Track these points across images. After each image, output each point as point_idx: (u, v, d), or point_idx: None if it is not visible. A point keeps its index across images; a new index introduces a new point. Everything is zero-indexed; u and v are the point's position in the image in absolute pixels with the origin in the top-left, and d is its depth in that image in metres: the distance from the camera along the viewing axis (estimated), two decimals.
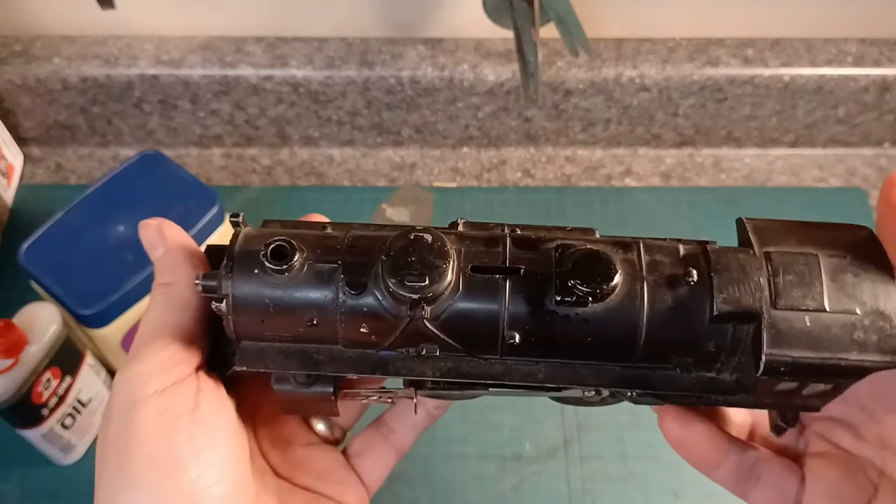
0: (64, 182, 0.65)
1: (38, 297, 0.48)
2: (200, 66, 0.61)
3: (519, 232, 0.29)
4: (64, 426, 0.49)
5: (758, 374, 0.27)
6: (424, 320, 0.27)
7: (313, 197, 0.64)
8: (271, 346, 0.29)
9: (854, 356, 0.27)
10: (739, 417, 0.33)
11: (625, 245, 0.29)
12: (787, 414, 0.30)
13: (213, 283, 0.28)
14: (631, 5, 0.61)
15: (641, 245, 0.29)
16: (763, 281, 0.27)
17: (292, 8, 0.61)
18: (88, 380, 0.49)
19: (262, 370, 0.29)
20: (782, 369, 0.27)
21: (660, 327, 0.28)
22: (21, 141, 0.66)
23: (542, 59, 0.60)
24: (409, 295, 0.27)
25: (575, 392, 0.30)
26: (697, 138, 0.67)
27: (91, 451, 0.52)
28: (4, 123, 0.63)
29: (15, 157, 0.65)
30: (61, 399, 0.48)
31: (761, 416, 0.34)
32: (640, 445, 0.53)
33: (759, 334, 0.27)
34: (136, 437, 0.27)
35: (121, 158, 0.66)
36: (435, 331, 0.28)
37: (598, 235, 0.30)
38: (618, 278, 0.27)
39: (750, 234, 0.28)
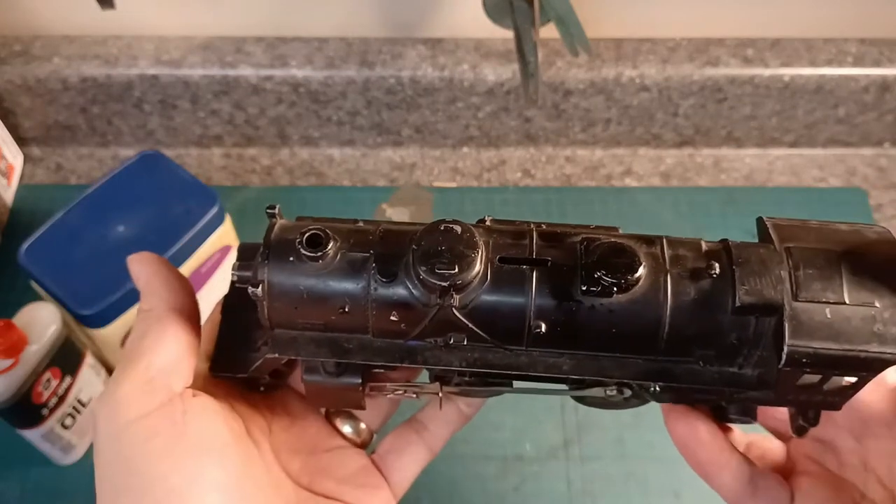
0: (64, 182, 0.65)
1: (38, 297, 0.48)
2: (200, 66, 0.60)
3: (545, 227, 0.30)
4: (64, 426, 0.49)
5: (780, 366, 0.27)
6: (453, 309, 0.28)
7: (313, 197, 0.64)
8: (303, 334, 0.29)
9: (874, 348, 0.27)
10: (738, 434, 0.33)
11: (648, 240, 0.30)
12: (809, 413, 0.30)
13: (248, 274, 0.29)
14: (631, 5, 0.61)
15: (664, 241, 0.30)
16: (784, 274, 0.28)
17: (292, 8, 0.61)
18: (88, 380, 0.49)
19: (293, 357, 0.29)
20: (804, 360, 0.27)
21: (683, 318, 0.28)
22: (21, 141, 0.66)
23: (542, 59, 0.60)
24: (438, 283, 0.27)
25: (598, 392, 0.31)
26: (697, 138, 0.67)
27: (91, 451, 0.52)
28: (4, 123, 0.63)
29: (15, 157, 0.65)
30: (61, 399, 0.48)
31: (757, 437, 0.35)
32: (640, 445, 0.53)
33: (780, 325, 0.27)
34: (125, 469, 0.27)
35: (121, 158, 0.66)
36: (463, 319, 0.28)
37: (620, 232, 0.31)
38: (642, 270, 0.28)
39: (770, 230, 0.29)
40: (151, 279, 0.31)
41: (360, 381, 0.31)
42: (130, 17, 0.60)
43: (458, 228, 0.28)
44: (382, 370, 0.32)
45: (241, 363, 0.31)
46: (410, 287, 0.28)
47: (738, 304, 0.28)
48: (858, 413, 0.31)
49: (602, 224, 0.31)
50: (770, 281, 0.28)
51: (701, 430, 0.32)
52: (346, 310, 0.29)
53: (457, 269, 0.27)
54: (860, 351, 0.27)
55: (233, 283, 0.31)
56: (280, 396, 0.34)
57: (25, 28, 0.62)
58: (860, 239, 0.29)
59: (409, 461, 0.34)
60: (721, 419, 0.32)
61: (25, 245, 0.47)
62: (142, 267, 0.31)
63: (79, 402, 0.49)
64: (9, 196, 0.63)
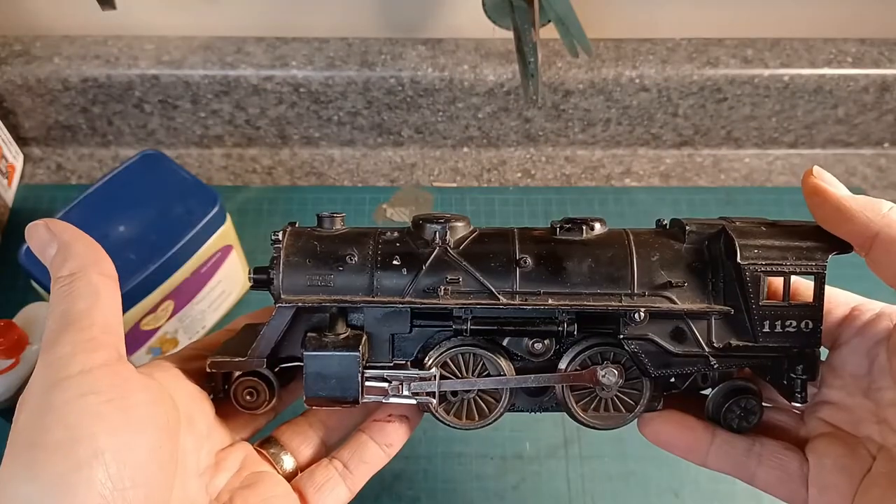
0: (64, 182, 0.65)
1: (38, 298, 0.48)
2: (201, 67, 0.61)
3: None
4: None
5: (737, 260, 0.31)
6: (448, 248, 0.32)
7: (314, 197, 0.64)
8: (309, 296, 0.32)
9: (807, 244, 0.32)
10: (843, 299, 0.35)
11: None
12: (797, 369, 0.33)
13: (264, 277, 0.33)
14: (631, 6, 0.61)
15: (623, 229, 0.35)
16: (721, 221, 0.33)
17: (293, 8, 0.61)
18: None
19: (299, 302, 0.32)
20: (755, 251, 0.32)
21: (645, 246, 0.33)
22: (21, 141, 0.66)
23: (542, 59, 0.60)
24: (434, 225, 0.32)
25: (595, 398, 0.34)
26: (697, 138, 0.67)
27: None
28: (5, 123, 0.63)
29: (15, 157, 0.65)
30: None
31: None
32: (640, 445, 0.52)
33: (728, 236, 0.32)
34: (52, 419, 0.25)
35: (121, 158, 0.66)
36: (457, 256, 0.32)
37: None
38: (602, 224, 0.34)
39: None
40: (69, 244, 0.30)
41: (358, 353, 0.32)
42: (131, 17, 0.60)
43: (448, 213, 0.33)
44: (380, 369, 0.33)
45: (239, 354, 0.33)
46: (410, 239, 0.33)
47: (687, 230, 0.33)
48: (864, 370, 0.33)
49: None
50: (710, 221, 0.33)
51: (667, 418, 0.34)
52: (354, 259, 0.32)
53: (450, 218, 0.33)
54: (796, 246, 0.32)
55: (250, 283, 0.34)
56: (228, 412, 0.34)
57: (26, 28, 0.62)
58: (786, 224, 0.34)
59: (329, 500, 0.34)
60: (726, 428, 0.34)
61: (26, 245, 0.47)
62: (50, 232, 0.30)
63: None
64: (9, 196, 0.63)
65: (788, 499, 0.33)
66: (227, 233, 0.52)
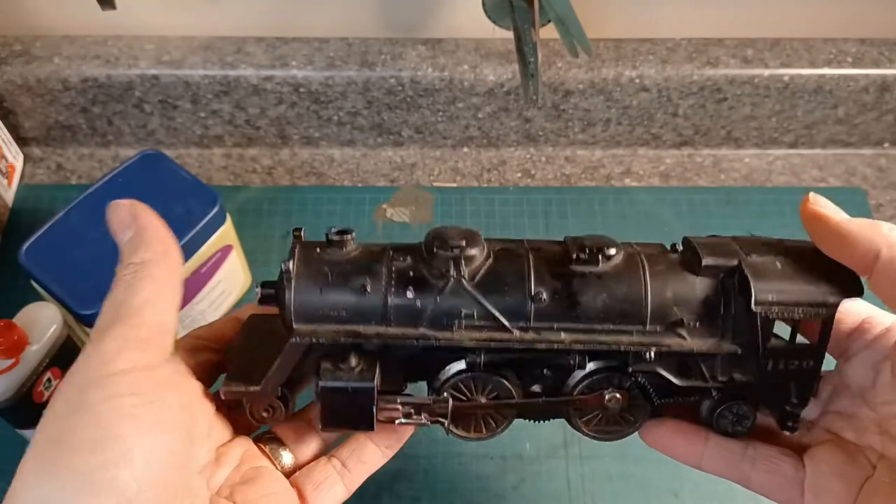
0: (64, 182, 0.65)
1: (38, 298, 0.48)
2: (201, 67, 0.61)
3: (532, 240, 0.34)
4: None
5: (751, 306, 0.31)
6: (463, 280, 0.31)
7: (314, 197, 0.64)
8: (322, 326, 0.31)
9: (820, 288, 0.31)
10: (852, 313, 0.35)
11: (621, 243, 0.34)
12: (790, 399, 0.33)
13: (271, 292, 0.32)
14: (631, 6, 0.61)
15: (632, 243, 0.35)
16: (736, 248, 0.33)
17: (293, 8, 0.61)
18: None
19: (312, 338, 0.31)
20: (770, 296, 0.31)
21: (660, 280, 0.32)
22: (21, 141, 0.66)
23: (542, 59, 0.60)
24: (450, 252, 0.31)
25: (596, 407, 0.34)
26: (697, 138, 0.67)
27: None
28: (5, 123, 0.63)
29: (15, 157, 0.65)
30: None
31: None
32: (640, 445, 0.52)
33: (743, 275, 0.32)
34: (84, 417, 0.24)
35: (121, 158, 0.66)
36: (471, 290, 0.31)
37: None
38: (618, 248, 0.33)
39: (713, 236, 0.35)
40: (146, 229, 0.29)
41: (373, 384, 0.31)
42: (131, 17, 0.60)
43: (461, 226, 0.32)
44: (394, 392, 0.33)
45: (253, 378, 0.32)
46: (424, 267, 0.32)
47: (703, 264, 0.32)
48: (869, 382, 0.33)
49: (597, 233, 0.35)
50: (725, 249, 0.33)
51: (664, 425, 0.35)
52: (368, 289, 0.31)
53: (464, 243, 0.31)
54: (812, 287, 0.31)
55: (259, 300, 0.33)
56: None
57: (26, 28, 0.62)
58: (776, 240, 0.35)
59: (327, 498, 0.34)
60: (719, 433, 0.35)
61: (26, 245, 0.47)
62: (132, 215, 0.29)
63: None
64: (9, 196, 0.63)
65: (785, 502, 0.34)
66: (227, 233, 0.52)
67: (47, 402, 0.46)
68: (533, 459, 0.52)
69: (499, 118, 0.64)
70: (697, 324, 0.32)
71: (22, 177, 0.65)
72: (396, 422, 0.33)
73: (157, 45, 0.62)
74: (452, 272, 0.31)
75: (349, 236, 0.32)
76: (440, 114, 0.64)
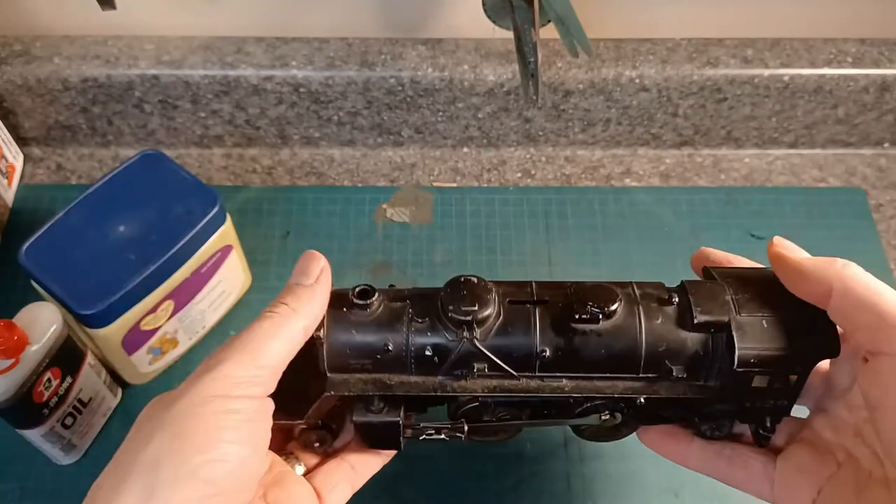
0: (64, 182, 0.65)
1: (38, 298, 0.48)
2: (201, 67, 0.61)
3: (539, 281, 0.37)
4: (64, 426, 0.49)
5: (734, 367, 0.34)
6: (475, 340, 0.35)
7: (314, 197, 0.64)
8: (353, 376, 0.36)
9: (800, 347, 0.34)
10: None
11: (622, 284, 0.37)
12: (766, 423, 0.37)
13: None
14: (631, 6, 0.61)
15: (634, 284, 0.37)
16: (728, 298, 0.35)
17: (293, 8, 0.61)
18: (89, 380, 0.49)
19: (346, 393, 0.36)
20: (752, 360, 0.34)
21: (655, 336, 0.35)
22: (21, 141, 0.66)
23: (542, 59, 0.60)
24: (463, 317, 0.34)
25: (593, 419, 0.38)
26: (697, 138, 0.67)
27: (91, 451, 0.52)
28: (5, 123, 0.63)
29: (15, 157, 0.65)
30: (62, 399, 0.48)
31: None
32: (640, 445, 0.52)
33: (730, 337, 0.35)
34: (201, 422, 0.30)
35: (121, 158, 0.66)
36: (483, 349, 0.35)
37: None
38: (619, 301, 0.35)
39: (713, 272, 0.38)
40: (317, 291, 0.35)
41: (399, 418, 0.36)
42: (131, 17, 0.60)
43: (475, 279, 0.36)
44: (417, 413, 0.38)
45: (296, 411, 0.36)
46: (441, 326, 0.35)
47: (695, 322, 0.35)
48: (848, 385, 0.36)
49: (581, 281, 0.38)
50: (718, 304, 0.35)
51: (658, 429, 0.40)
52: (390, 348, 0.35)
53: (476, 306, 0.34)
54: (792, 350, 0.34)
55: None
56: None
57: (26, 28, 0.62)
58: (769, 275, 0.37)
59: (339, 498, 0.38)
60: (700, 436, 0.39)
61: (26, 245, 0.47)
62: (319, 270, 0.36)
63: (79, 401, 0.49)
64: (9, 196, 0.63)
65: (758, 495, 0.38)
66: (227, 233, 0.52)
67: (47, 401, 0.46)
68: (533, 459, 0.52)
69: (499, 118, 0.64)
70: (685, 374, 0.36)
71: (22, 177, 0.65)
72: (420, 438, 0.38)
73: (158, 45, 0.62)
74: (466, 334, 0.35)
75: (373, 299, 0.35)
76: (440, 114, 0.64)
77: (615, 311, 0.35)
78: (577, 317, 0.35)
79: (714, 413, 0.37)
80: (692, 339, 0.35)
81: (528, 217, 0.63)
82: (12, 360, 0.44)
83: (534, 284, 0.37)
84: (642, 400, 0.36)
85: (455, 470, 0.52)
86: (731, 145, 0.68)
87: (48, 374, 0.46)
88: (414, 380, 0.36)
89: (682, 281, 0.37)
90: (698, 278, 0.39)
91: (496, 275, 0.60)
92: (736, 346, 0.34)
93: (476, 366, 0.35)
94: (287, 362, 0.33)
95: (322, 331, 0.35)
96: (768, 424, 0.37)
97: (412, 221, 0.63)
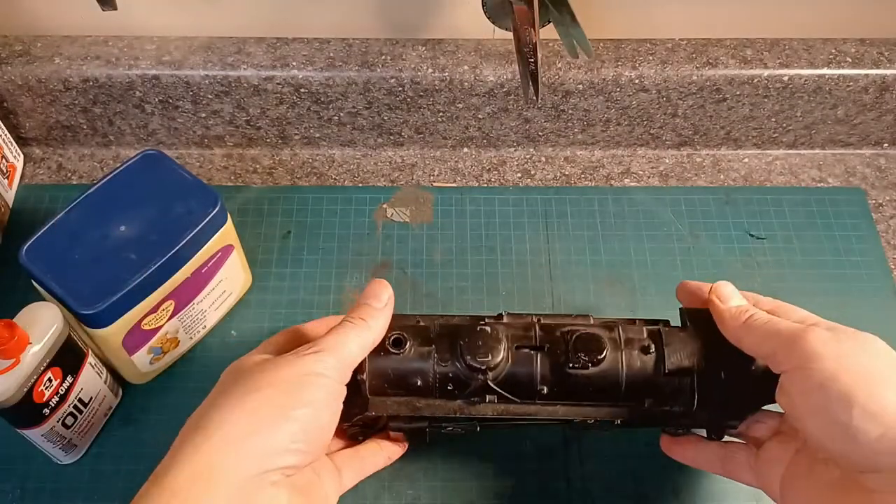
0: (65, 182, 0.65)
1: (39, 298, 0.48)
2: (202, 67, 0.61)
3: (542, 321, 0.47)
4: (65, 425, 0.49)
5: (693, 409, 0.45)
6: (488, 381, 0.44)
7: (314, 197, 0.64)
8: (389, 399, 0.45)
9: (751, 398, 0.45)
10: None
11: (609, 327, 0.46)
12: (715, 432, 0.47)
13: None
14: (630, 7, 0.61)
15: (620, 327, 0.46)
16: (696, 348, 0.45)
17: (293, 9, 0.61)
18: (90, 380, 0.50)
19: (384, 413, 0.45)
20: (707, 413, 0.45)
21: (633, 379, 0.45)
22: (22, 141, 0.66)
23: (541, 59, 0.60)
24: (479, 366, 0.44)
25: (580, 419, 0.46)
26: (696, 139, 0.67)
27: (92, 450, 0.52)
28: (5, 124, 0.63)
29: (16, 157, 0.65)
30: (63, 399, 0.48)
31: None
32: (640, 445, 0.53)
33: (692, 383, 0.45)
34: (297, 391, 0.38)
35: (122, 158, 0.66)
36: (494, 387, 0.44)
37: (592, 321, 0.47)
38: (606, 351, 0.44)
39: (687, 317, 0.47)
40: (387, 312, 0.44)
41: (426, 424, 0.47)
42: (132, 17, 0.60)
43: (489, 329, 0.44)
44: (442, 422, 0.47)
45: (344, 416, 0.43)
46: (459, 367, 0.44)
47: (666, 371, 0.45)
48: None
49: (580, 314, 0.48)
50: (686, 355, 0.45)
51: (689, 450, 0.48)
52: (418, 383, 0.44)
53: (490, 357, 0.44)
54: (741, 400, 0.45)
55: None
56: None
57: (26, 28, 0.62)
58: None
59: (348, 479, 0.47)
60: (665, 433, 0.49)
61: (26, 245, 0.47)
62: (387, 295, 0.44)
63: (80, 401, 0.49)
64: (10, 196, 0.63)
65: (747, 482, 0.45)
66: (227, 233, 0.52)
67: (48, 401, 0.46)
68: (533, 459, 0.52)
69: (499, 118, 0.64)
70: (656, 405, 0.45)
71: (22, 177, 0.65)
72: (442, 430, 0.47)
73: (158, 45, 0.62)
74: (480, 377, 0.44)
75: (404, 348, 0.44)
76: (440, 114, 0.64)
77: (602, 359, 0.44)
78: (570, 364, 0.44)
79: (677, 424, 0.48)
80: (663, 381, 0.45)
81: (528, 217, 0.63)
82: (13, 360, 0.44)
83: (537, 328, 0.46)
84: (619, 422, 0.46)
85: (455, 470, 0.52)
86: (731, 145, 0.68)
87: (49, 374, 0.46)
88: (438, 403, 0.45)
89: (659, 329, 0.46)
90: (680, 306, 0.49)
91: (496, 275, 0.60)
92: (695, 396, 0.45)
93: (488, 396, 0.44)
94: (357, 363, 0.42)
95: (364, 373, 0.44)
96: (716, 434, 0.47)
97: (412, 221, 0.63)
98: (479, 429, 0.47)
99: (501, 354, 0.44)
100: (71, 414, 0.49)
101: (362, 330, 0.42)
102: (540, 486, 0.51)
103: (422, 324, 0.46)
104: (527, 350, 0.45)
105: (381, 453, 0.49)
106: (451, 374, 0.44)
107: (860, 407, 0.37)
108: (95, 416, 0.52)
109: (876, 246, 0.62)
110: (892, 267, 0.61)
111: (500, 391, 0.44)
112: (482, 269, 0.60)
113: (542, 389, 0.44)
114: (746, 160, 0.68)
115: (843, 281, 0.60)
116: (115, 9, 0.51)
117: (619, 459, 0.52)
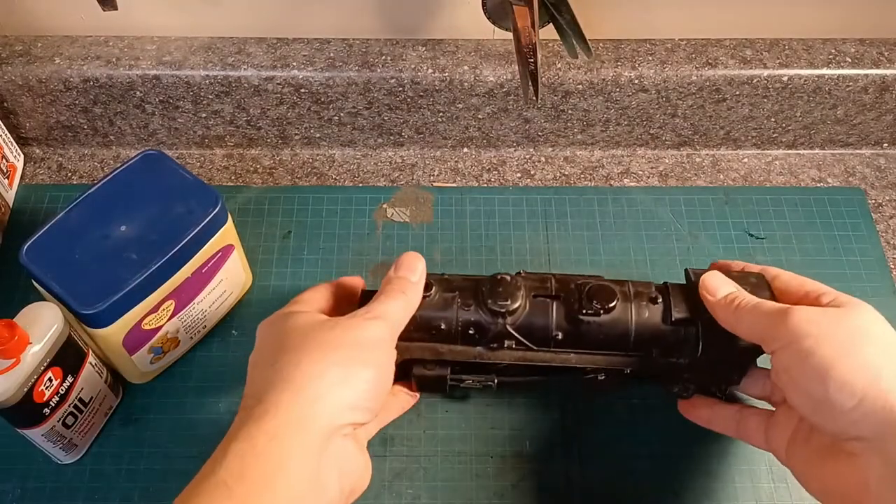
0: (65, 182, 0.65)
1: (39, 297, 0.48)
2: (202, 67, 0.61)
3: (558, 276, 0.50)
4: (65, 425, 0.49)
5: (698, 355, 0.47)
6: (507, 325, 0.47)
7: (314, 197, 0.64)
8: (414, 344, 0.48)
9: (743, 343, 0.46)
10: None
11: (620, 282, 0.49)
12: (720, 388, 0.51)
13: None
14: (630, 7, 0.61)
15: (630, 283, 0.49)
16: (700, 300, 0.46)
17: (293, 9, 0.61)
18: (90, 379, 0.50)
19: (409, 357, 0.48)
20: (711, 351, 0.47)
21: (641, 328, 0.48)
22: (22, 141, 0.66)
23: (541, 60, 0.61)
24: (499, 309, 0.47)
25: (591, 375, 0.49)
26: (696, 139, 0.67)
27: (92, 450, 0.52)
28: (6, 124, 0.63)
29: (16, 157, 0.65)
30: (63, 398, 0.48)
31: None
32: (640, 445, 0.53)
33: (697, 332, 0.47)
34: (362, 350, 0.41)
35: (122, 158, 0.66)
36: (512, 331, 0.47)
37: (604, 277, 0.50)
38: (617, 300, 0.47)
39: (691, 275, 0.49)
40: (420, 282, 0.46)
41: (448, 372, 0.49)
42: (132, 18, 0.60)
43: (508, 277, 0.48)
44: (461, 368, 0.49)
45: None
46: (481, 312, 0.47)
47: (672, 319, 0.47)
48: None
49: (592, 273, 0.52)
50: (690, 306, 0.47)
51: (705, 412, 0.51)
52: (442, 326, 0.47)
53: (509, 301, 0.47)
54: (741, 347, 0.46)
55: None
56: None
57: (27, 28, 0.62)
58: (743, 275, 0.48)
59: (365, 432, 0.47)
60: (670, 394, 0.51)
61: (27, 245, 0.47)
62: (421, 268, 0.47)
63: (80, 401, 0.49)
64: (10, 196, 0.63)
65: (758, 445, 0.48)
66: (228, 232, 0.52)
67: (48, 401, 0.46)
68: (533, 458, 0.52)
69: (498, 119, 0.64)
70: (662, 355, 0.48)
71: (23, 177, 0.65)
72: (461, 385, 0.49)
73: (159, 45, 0.62)
74: (500, 320, 0.47)
75: (431, 291, 0.47)
76: (440, 114, 0.64)
77: (613, 307, 0.47)
78: (583, 311, 0.47)
79: (681, 380, 0.49)
80: (669, 330, 0.47)
81: (528, 217, 0.63)
82: (13, 360, 0.44)
83: (553, 280, 0.49)
84: (628, 371, 0.48)
85: (455, 470, 0.52)
86: (730, 145, 0.68)
87: (49, 374, 0.46)
88: (459, 349, 0.48)
89: (666, 284, 0.49)
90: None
91: None
92: (700, 343, 0.47)
93: (506, 342, 0.47)
94: (401, 322, 0.45)
95: None
96: (722, 389, 0.50)
97: (412, 221, 0.63)
98: (495, 387, 0.49)
99: (520, 301, 0.47)
100: (71, 414, 0.49)
101: (404, 301, 0.45)
102: (540, 486, 0.51)
103: (447, 276, 0.50)
104: (543, 298, 0.48)
105: (396, 402, 0.51)
106: (472, 319, 0.47)
107: (834, 379, 0.38)
108: (96, 416, 0.52)
109: (876, 246, 0.62)
110: (892, 267, 0.62)
111: (518, 336, 0.47)
112: (482, 269, 0.60)
113: (557, 335, 0.47)
114: (746, 160, 0.68)
115: (842, 281, 0.60)
116: (116, 9, 0.51)
117: (619, 459, 0.52)
